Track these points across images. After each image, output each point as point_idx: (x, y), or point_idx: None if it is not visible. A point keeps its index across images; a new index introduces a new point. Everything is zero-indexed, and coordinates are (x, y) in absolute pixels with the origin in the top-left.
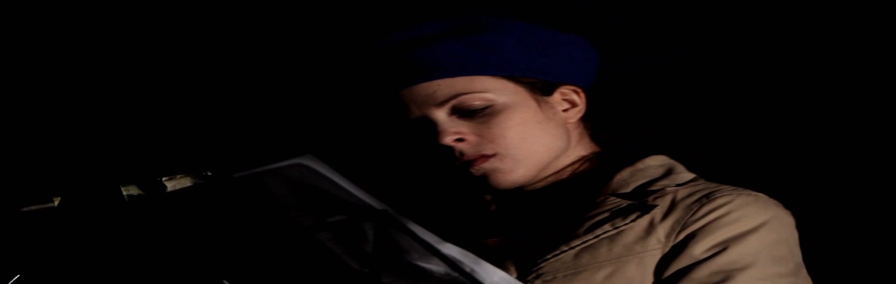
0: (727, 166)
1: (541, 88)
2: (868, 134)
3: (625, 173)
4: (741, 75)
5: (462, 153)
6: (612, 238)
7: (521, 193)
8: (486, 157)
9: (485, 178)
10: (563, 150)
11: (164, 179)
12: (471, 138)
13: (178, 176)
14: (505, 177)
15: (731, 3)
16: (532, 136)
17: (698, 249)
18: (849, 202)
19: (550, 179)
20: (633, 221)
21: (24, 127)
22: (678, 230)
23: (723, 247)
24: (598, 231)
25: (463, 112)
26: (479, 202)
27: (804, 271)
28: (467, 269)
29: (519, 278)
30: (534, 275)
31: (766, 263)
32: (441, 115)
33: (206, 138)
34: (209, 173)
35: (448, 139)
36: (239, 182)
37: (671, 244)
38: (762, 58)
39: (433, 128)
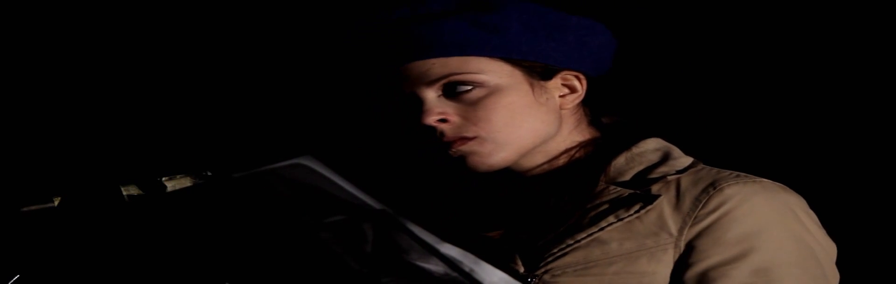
0: (725, 149)
1: (540, 72)
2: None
3: (621, 159)
4: (747, 63)
5: (443, 134)
6: (620, 231)
7: (517, 180)
8: (466, 139)
9: (463, 160)
10: (552, 136)
11: (164, 179)
12: (454, 118)
13: (178, 176)
14: (483, 160)
15: None
16: (517, 120)
17: (716, 256)
18: (845, 195)
19: (545, 166)
20: (637, 212)
21: (24, 127)
22: (690, 224)
23: (742, 254)
24: (603, 223)
25: (453, 93)
26: (475, 193)
27: (826, 266)
28: (466, 269)
29: (526, 272)
30: (542, 270)
31: (791, 273)
32: (430, 94)
33: (206, 138)
34: (209, 173)
35: (430, 119)
36: (239, 182)
37: (684, 239)
38: (771, 47)
39: (420, 106)
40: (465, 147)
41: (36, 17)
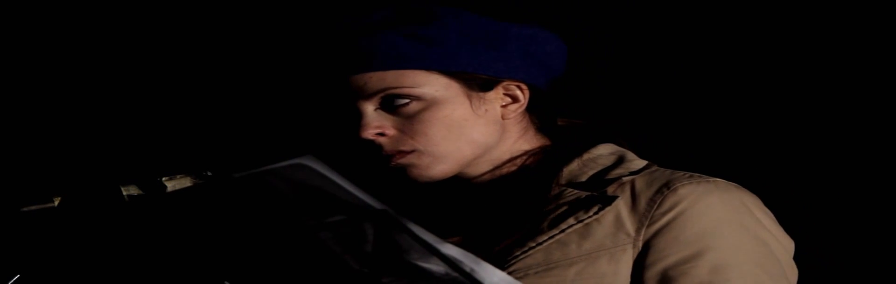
0: (687, 156)
1: (480, 83)
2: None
3: (574, 165)
4: (707, 67)
5: (382, 147)
6: (579, 233)
7: (466, 188)
8: (404, 153)
9: (403, 172)
10: (493, 146)
11: (164, 179)
12: (391, 132)
13: (178, 176)
14: (421, 173)
15: None
16: (454, 133)
17: (674, 255)
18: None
19: (490, 174)
20: (597, 213)
21: (24, 127)
22: (646, 224)
23: (700, 252)
24: (563, 226)
25: (390, 106)
26: (424, 199)
27: (784, 262)
28: (467, 269)
29: None
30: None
31: (749, 270)
32: (368, 108)
33: (206, 138)
34: (209, 173)
35: (368, 134)
36: (239, 182)
37: (642, 239)
38: (737, 48)
39: (359, 120)
40: (404, 160)
41: (36, 17)
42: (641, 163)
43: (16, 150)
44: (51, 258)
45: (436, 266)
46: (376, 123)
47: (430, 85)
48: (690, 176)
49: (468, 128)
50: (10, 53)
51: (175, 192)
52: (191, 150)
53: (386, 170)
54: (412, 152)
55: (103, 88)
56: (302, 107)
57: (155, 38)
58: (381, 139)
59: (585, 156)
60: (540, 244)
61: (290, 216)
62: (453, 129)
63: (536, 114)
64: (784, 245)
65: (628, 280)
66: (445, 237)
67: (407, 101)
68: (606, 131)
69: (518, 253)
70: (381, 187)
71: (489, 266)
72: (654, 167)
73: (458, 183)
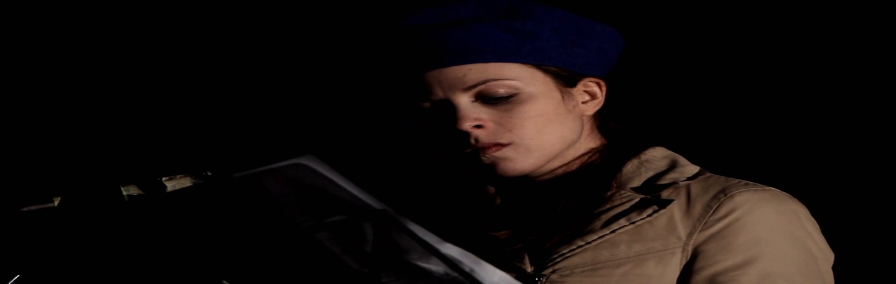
0: (728, 160)
1: (566, 78)
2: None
3: (630, 166)
4: (748, 69)
5: (477, 140)
6: (630, 234)
7: (528, 184)
8: (500, 145)
9: (493, 166)
10: (575, 142)
11: (164, 179)
12: (489, 125)
13: (178, 176)
14: (513, 166)
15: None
16: (549, 127)
17: (724, 261)
18: (849, 200)
19: (559, 170)
20: (650, 216)
21: (24, 127)
22: (699, 229)
23: (750, 260)
24: (614, 226)
25: (487, 98)
26: (483, 194)
27: (825, 273)
28: (467, 269)
29: (534, 272)
30: (550, 270)
31: (794, 279)
32: (465, 99)
33: (206, 138)
34: (209, 173)
35: (467, 125)
36: (238, 182)
37: (692, 244)
38: (768, 51)
39: (453, 112)
40: (499, 153)
41: (36, 17)
42: (694, 169)
43: (16, 150)
44: (51, 258)
45: (435, 266)
46: (474, 115)
47: (529, 79)
48: (746, 184)
49: (559, 123)
50: (10, 53)
51: (175, 192)
52: (191, 150)
53: (473, 162)
54: (509, 144)
55: (103, 88)
56: (303, 107)
57: (155, 38)
58: (478, 132)
59: (642, 157)
60: (589, 243)
61: (290, 216)
62: (549, 123)
63: (600, 113)
64: (827, 257)
65: (673, 283)
66: (495, 229)
67: (506, 93)
68: (655, 133)
69: (565, 251)
70: (383, 186)
71: (489, 266)
72: (708, 174)
73: (520, 178)
